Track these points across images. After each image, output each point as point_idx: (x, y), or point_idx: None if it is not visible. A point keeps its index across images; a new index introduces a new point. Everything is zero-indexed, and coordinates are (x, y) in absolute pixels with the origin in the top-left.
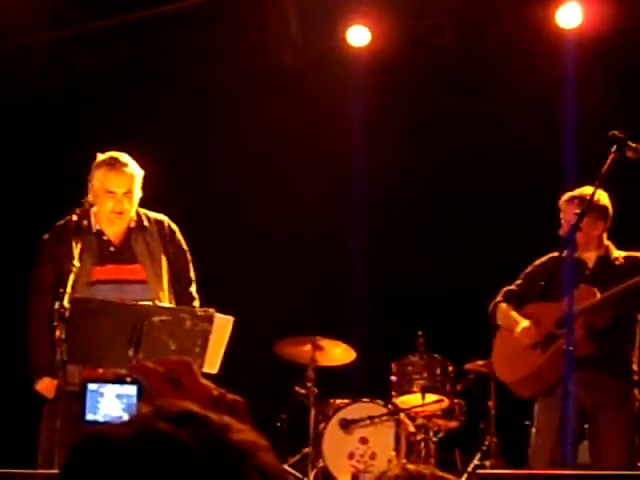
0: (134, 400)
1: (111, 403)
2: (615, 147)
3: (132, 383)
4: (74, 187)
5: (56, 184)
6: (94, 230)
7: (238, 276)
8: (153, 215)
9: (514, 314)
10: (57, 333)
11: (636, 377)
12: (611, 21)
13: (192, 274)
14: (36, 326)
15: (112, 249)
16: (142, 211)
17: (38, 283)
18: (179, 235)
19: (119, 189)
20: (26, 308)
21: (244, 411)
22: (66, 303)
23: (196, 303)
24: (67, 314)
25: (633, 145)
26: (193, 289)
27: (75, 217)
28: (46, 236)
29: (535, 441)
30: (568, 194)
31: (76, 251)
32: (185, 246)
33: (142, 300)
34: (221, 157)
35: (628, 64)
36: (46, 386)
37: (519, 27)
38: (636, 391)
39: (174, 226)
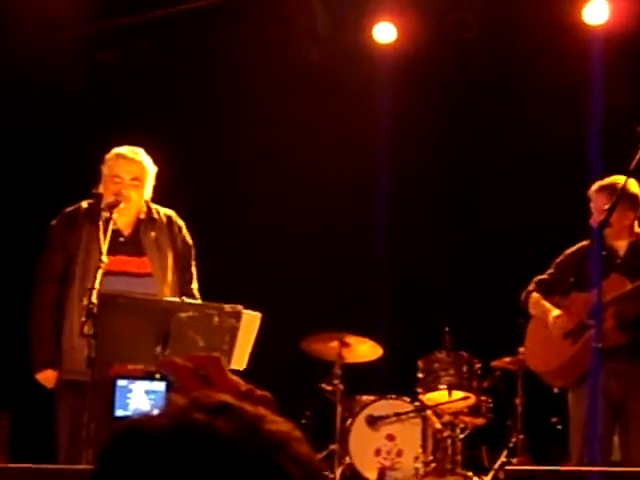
0: (163, 396)
1: (140, 399)
2: None
3: (161, 379)
4: (90, 181)
5: (69, 178)
6: (103, 219)
7: (265, 273)
8: (163, 209)
9: (546, 303)
10: (85, 329)
11: None
12: (638, 18)
13: (194, 270)
14: (40, 316)
15: (122, 239)
16: (153, 205)
17: (45, 270)
18: (185, 230)
19: (126, 175)
20: (32, 296)
21: (272, 407)
22: (94, 299)
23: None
24: (95, 310)
25: None
26: (195, 286)
27: (86, 205)
28: (54, 222)
29: (570, 434)
30: (598, 183)
31: (104, 246)
32: (191, 242)
33: (150, 293)
34: (249, 154)
35: None
36: (47, 377)
37: (546, 22)
38: None
39: (181, 222)
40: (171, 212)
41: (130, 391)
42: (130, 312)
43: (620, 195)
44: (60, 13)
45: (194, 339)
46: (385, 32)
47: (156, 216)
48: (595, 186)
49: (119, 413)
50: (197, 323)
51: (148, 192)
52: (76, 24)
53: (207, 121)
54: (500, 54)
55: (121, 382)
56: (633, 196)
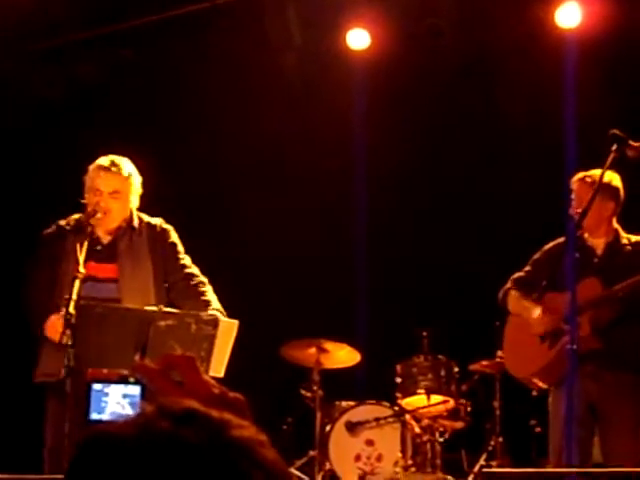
0: (138, 400)
1: (116, 402)
2: (615, 146)
3: (136, 383)
4: (76, 191)
5: (59, 189)
6: (88, 230)
7: (242, 279)
8: (147, 218)
9: (526, 302)
10: (64, 339)
11: None
12: (610, 21)
13: (188, 270)
14: (38, 293)
15: (98, 247)
16: (137, 213)
17: (36, 276)
18: (173, 233)
19: (106, 188)
20: (24, 285)
21: (245, 408)
22: (72, 309)
23: (209, 298)
24: (73, 320)
25: (634, 144)
26: (198, 280)
27: (76, 217)
28: (46, 232)
29: (550, 436)
30: (581, 173)
31: (81, 257)
32: (176, 241)
33: (110, 298)
34: (223, 161)
35: (627, 63)
36: (54, 323)
37: (518, 26)
38: None
39: (167, 225)
40: (156, 220)
41: (106, 395)
42: (108, 321)
43: (598, 186)
44: (37, 24)
45: (172, 347)
46: (358, 38)
47: (136, 224)
48: (578, 175)
49: (94, 416)
50: (175, 331)
51: (133, 202)
52: (52, 35)
53: (185, 129)
54: (474, 59)
55: (96, 386)
56: (615, 188)
